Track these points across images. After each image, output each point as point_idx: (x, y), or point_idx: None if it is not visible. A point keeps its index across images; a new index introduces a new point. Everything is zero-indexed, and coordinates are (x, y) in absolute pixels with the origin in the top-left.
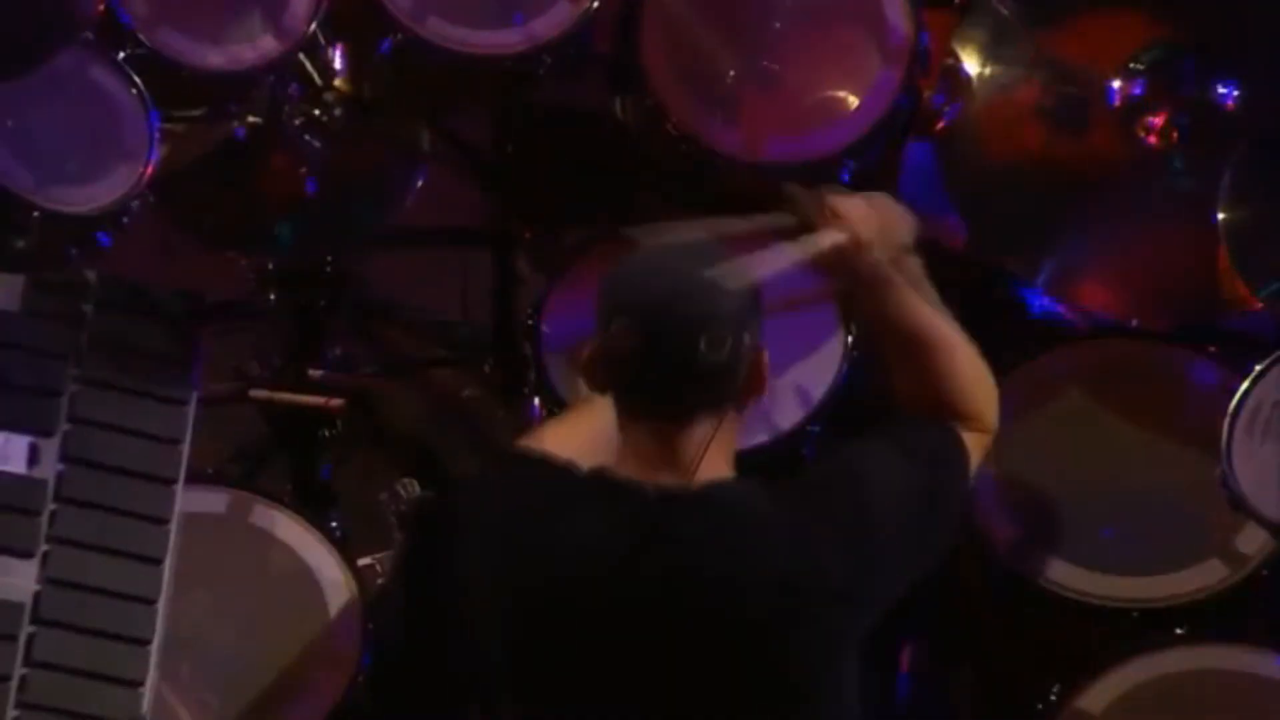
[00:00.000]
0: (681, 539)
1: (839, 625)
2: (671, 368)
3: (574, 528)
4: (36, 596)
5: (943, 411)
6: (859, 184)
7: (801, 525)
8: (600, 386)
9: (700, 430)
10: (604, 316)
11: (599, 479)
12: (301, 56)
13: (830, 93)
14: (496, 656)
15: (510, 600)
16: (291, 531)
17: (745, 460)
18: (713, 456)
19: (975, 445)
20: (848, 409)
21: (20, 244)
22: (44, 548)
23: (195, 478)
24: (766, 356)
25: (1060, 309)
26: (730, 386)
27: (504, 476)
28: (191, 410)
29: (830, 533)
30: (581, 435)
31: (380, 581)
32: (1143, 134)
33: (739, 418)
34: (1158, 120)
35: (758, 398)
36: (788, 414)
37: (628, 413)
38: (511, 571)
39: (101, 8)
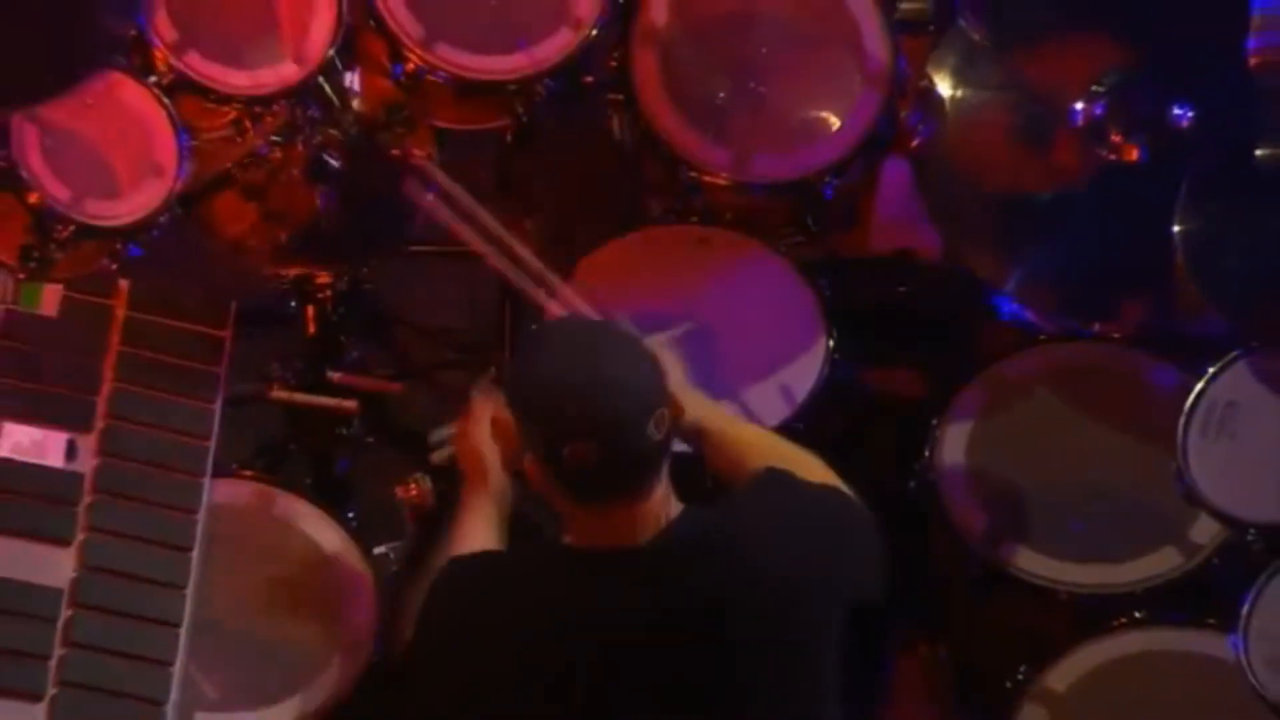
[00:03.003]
0: (682, 577)
1: (818, 612)
2: (632, 463)
3: (579, 598)
4: (74, 582)
5: None
6: (841, 198)
7: (759, 537)
8: (558, 499)
9: (658, 491)
10: (546, 441)
11: (568, 555)
12: (320, 80)
13: (814, 113)
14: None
15: (534, 679)
16: (311, 522)
17: None
18: (666, 502)
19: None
20: (829, 407)
21: (57, 255)
22: (81, 536)
23: (221, 471)
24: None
25: (1027, 314)
26: (670, 445)
27: (488, 576)
28: (218, 409)
29: (785, 535)
30: (492, 525)
31: (393, 571)
32: (1104, 151)
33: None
34: (1118, 139)
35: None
36: (774, 412)
37: (590, 505)
38: (522, 652)
39: (133, 33)
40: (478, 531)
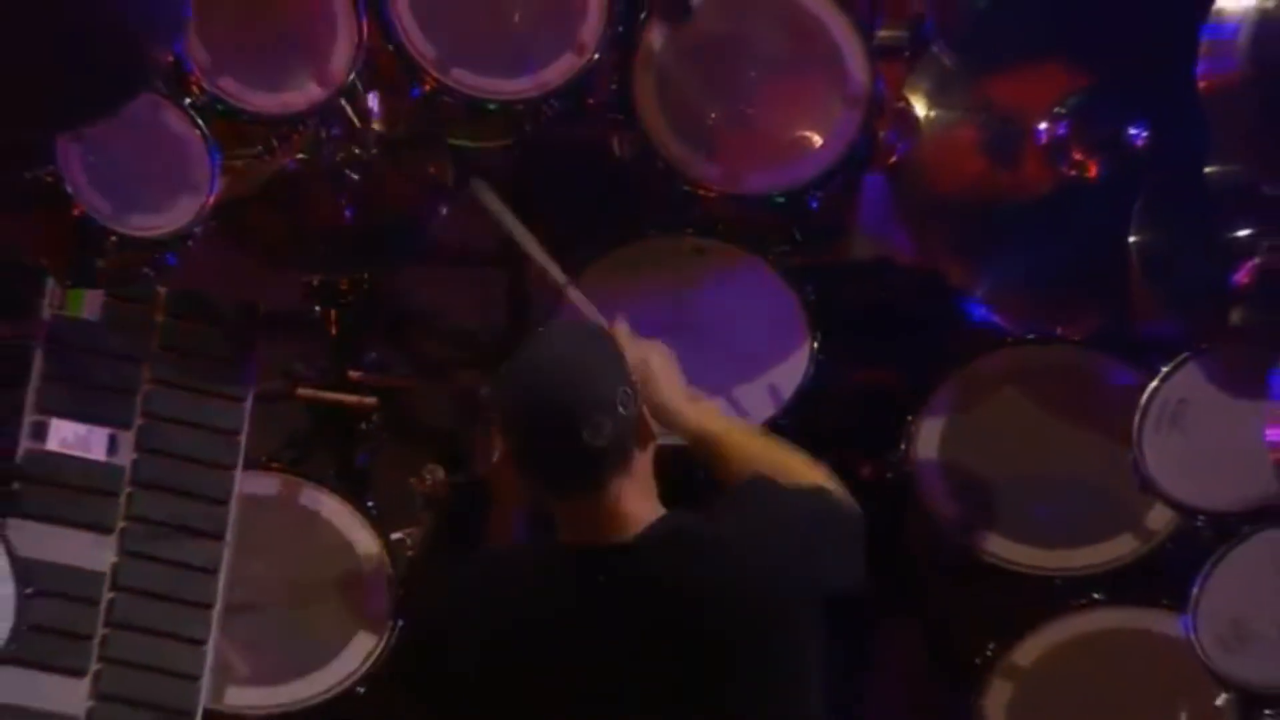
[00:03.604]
0: (656, 575)
1: (795, 611)
2: (569, 462)
3: (548, 598)
4: (115, 567)
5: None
6: (825, 210)
7: (737, 539)
8: (539, 496)
9: (615, 486)
10: (513, 441)
11: (557, 551)
12: (342, 102)
13: (799, 132)
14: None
15: (509, 666)
16: (334, 510)
17: None
18: (637, 500)
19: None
20: (813, 404)
21: (100, 264)
22: (121, 525)
23: (251, 464)
24: (646, 408)
25: (996, 318)
26: (623, 449)
27: (480, 572)
28: (248, 406)
29: (764, 537)
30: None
31: (410, 555)
32: (1066, 168)
33: (647, 457)
34: (1079, 156)
35: (654, 441)
36: (762, 409)
37: (552, 496)
38: (507, 645)
39: (170, 60)
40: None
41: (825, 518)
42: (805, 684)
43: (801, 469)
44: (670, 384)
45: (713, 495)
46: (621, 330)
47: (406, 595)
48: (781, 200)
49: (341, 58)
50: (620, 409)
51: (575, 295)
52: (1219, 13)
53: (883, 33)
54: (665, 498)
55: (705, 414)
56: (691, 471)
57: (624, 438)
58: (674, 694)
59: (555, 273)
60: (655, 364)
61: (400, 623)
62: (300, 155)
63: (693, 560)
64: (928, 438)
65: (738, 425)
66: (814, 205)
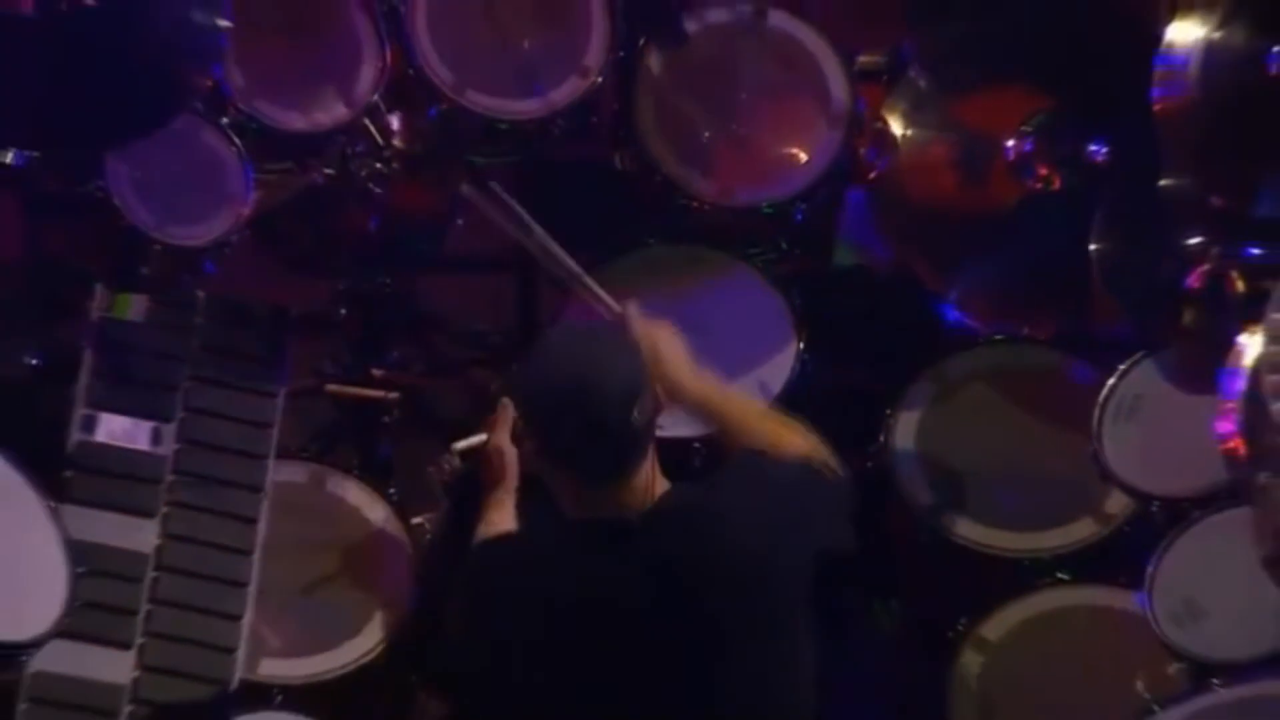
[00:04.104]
0: (668, 547)
1: (791, 574)
2: (619, 448)
3: (584, 568)
4: (158, 549)
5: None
6: (810, 221)
7: (737, 509)
8: (559, 482)
9: (645, 469)
10: (545, 433)
11: (575, 528)
12: (367, 121)
13: (786, 150)
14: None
15: (547, 630)
16: (358, 497)
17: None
18: (650, 477)
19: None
20: (799, 399)
21: (144, 270)
22: (164, 510)
23: (283, 454)
24: (658, 385)
25: (968, 320)
26: (650, 431)
27: (518, 548)
28: (280, 401)
29: (758, 505)
30: (512, 515)
31: (428, 538)
32: (1032, 182)
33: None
34: (1043, 171)
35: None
36: None
37: (587, 484)
38: (547, 613)
39: (210, 83)
40: (502, 522)
41: (816, 486)
42: (800, 651)
43: (795, 438)
44: (677, 359)
45: (710, 469)
46: (632, 310)
47: (425, 574)
48: (770, 212)
49: (366, 81)
50: (645, 393)
51: (589, 283)
52: (1170, 44)
53: (863, 58)
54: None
55: (708, 386)
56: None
57: (656, 414)
58: (684, 657)
59: (570, 264)
60: (663, 340)
61: (420, 600)
62: (328, 170)
63: (697, 530)
64: (904, 430)
65: (737, 397)
66: (800, 216)
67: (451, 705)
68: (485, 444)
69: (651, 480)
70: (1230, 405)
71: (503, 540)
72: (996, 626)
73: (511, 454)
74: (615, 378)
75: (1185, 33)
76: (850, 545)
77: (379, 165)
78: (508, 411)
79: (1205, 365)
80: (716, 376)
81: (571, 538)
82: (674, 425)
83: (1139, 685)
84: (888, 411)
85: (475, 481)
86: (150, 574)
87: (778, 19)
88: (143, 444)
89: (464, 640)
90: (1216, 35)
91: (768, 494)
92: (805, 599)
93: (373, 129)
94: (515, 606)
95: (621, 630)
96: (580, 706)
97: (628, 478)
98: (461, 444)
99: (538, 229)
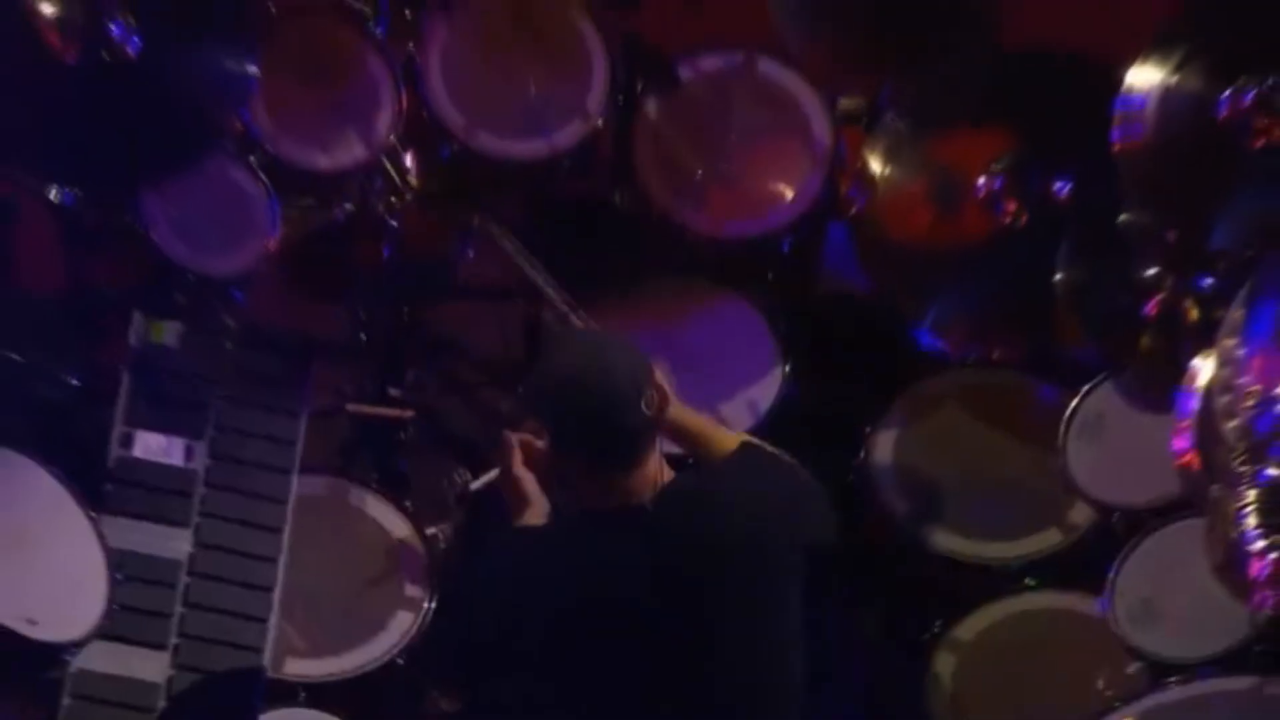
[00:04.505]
0: (676, 526)
1: (784, 557)
2: (630, 435)
3: (599, 550)
4: (191, 556)
5: None
6: (795, 253)
7: (745, 490)
8: (575, 475)
9: (653, 459)
10: (561, 427)
11: (590, 518)
12: (384, 160)
13: (773, 187)
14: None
15: (565, 605)
16: (377, 508)
17: None
18: (657, 466)
19: None
20: (785, 417)
21: (179, 299)
22: (196, 520)
23: (306, 469)
24: (660, 377)
25: (941, 344)
26: (661, 420)
27: (535, 535)
28: (303, 419)
29: (761, 488)
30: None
31: (442, 546)
32: (1001, 217)
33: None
34: (1012, 207)
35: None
36: (741, 422)
37: (601, 474)
38: (569, 587)
39: (239, 124)
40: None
41: (801, 479)
42: (793, 633)
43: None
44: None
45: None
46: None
47: (445, 578)
48: (758, 244)
49: (384, 123)
50: (651, 388)
51: (581, 319)
52: (1129, 88)
53: (844, 103)
54: None
55: (690, 413)
56: None
57: (658, 412)
58: (689, 631)
59: (559, 299)
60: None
61: (433, 605)
62: (348, 206)
63: (703, 510)
64: (883, 446)
65: (717, 425)
66: (785, 249)
67: (462, 702)
68: (501, 475)
69: (659, 471)
70: (1185, 423)
71: (521, 530)
72: (969, 628)
73: (529, 479)
74: (623, 370)
75: (1142, 78)
76: (830, 535)
77: (395, 201)
78: (516, 442)
79: (1162, 386)
80: (704, 406)
81: (586, 524)
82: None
83: (1100, 683)
84: (867, 429)
85: (485, 493)
86: (184, 580)
87: (765, 66)
88: (177, 459)
89: (482, 619)
90: (1171, 81)
91: (763, 479)
92: (797, 580)
93: (390, 168)
94: (532, 587)
95: (631, 606)
96: (589, 684)
97: (638, 466)
98: (478, 482)
99: (532, 268)
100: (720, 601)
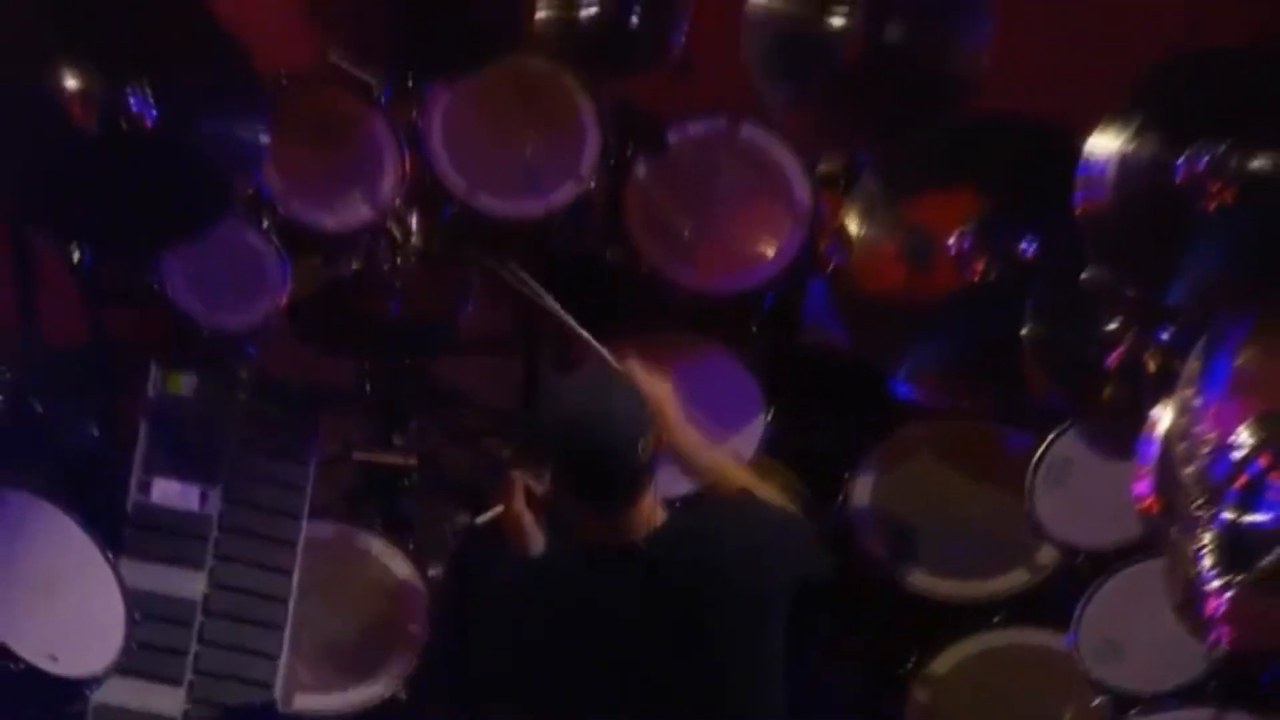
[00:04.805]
0: (668, 563)
1: (771, 595)
2: (627, 476)
3: (594, 584)
4: (205, 596)
5: None
6: (778, 309)
7: (734, 532)
8: (574, 512)
9: (648, 498)
10: (562, 466)
11: (587, 554)
12: (388, 221)
13: (756, 245)
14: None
15: (550, 651)
16: (382, 550)
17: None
18: (653, 505)
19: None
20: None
21: (194, 352)
22: (211, 562)
23: (315, 513)
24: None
25: (916, 394)
26: (657, 463)
27: (533, 567)
28: (312, 466)
29: (748, 533)
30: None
31: (440, 581)
32: (971, 274)
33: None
34: (980, 265)
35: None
36: None
37: (594, 512)
38: (562, 620)
39: (251, 189)
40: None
41: (790, 524)
42: (775, 668)
43: (767, 488)
44: (671, 408)
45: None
46: (633, 365)
47: (442, 610)
48: (742, 299)
49: (388, 185)
50: (649, 429)
51: (593, 341)
52: (1090, 154)
53: (823, 166)
54: None
55: (696, 436)
56: None
57: (654, 455)
58: (679, 661)
59: (575, 326)
60: (660, 391)
61: (434, 641)
62: (354, 264)
63: (694, 549)
64: (861, 491)
65: (720, 449)
66: (768, 303)
67: None
68: (504, 513)
69: (654, 512)
70: (1146, 469)
71: (517, 563)
72: (943, 663)
73: (529, 519)
74: (622, 413)
75: (1103, 144)
76: (825, 571)
77: (399, 259)
78: (518, 482)
79: (1124, 434)
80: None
81: (581, 559)
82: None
83: (1067, 715)
84: (846, 474)
85: (484, 535)
86: (199, 618)
87: (749, 131)
88: (192, 505)
89: (478, 650)
90: (1130, 148)
91: (754, 523)
92: (781, 619)
93: (394, 228)
94: (526, 619)
95: (622, 640)
96: (580, 715)
97: (632, 505)
98: (482, 518)
99: (549, 298)
100: (707, 638)
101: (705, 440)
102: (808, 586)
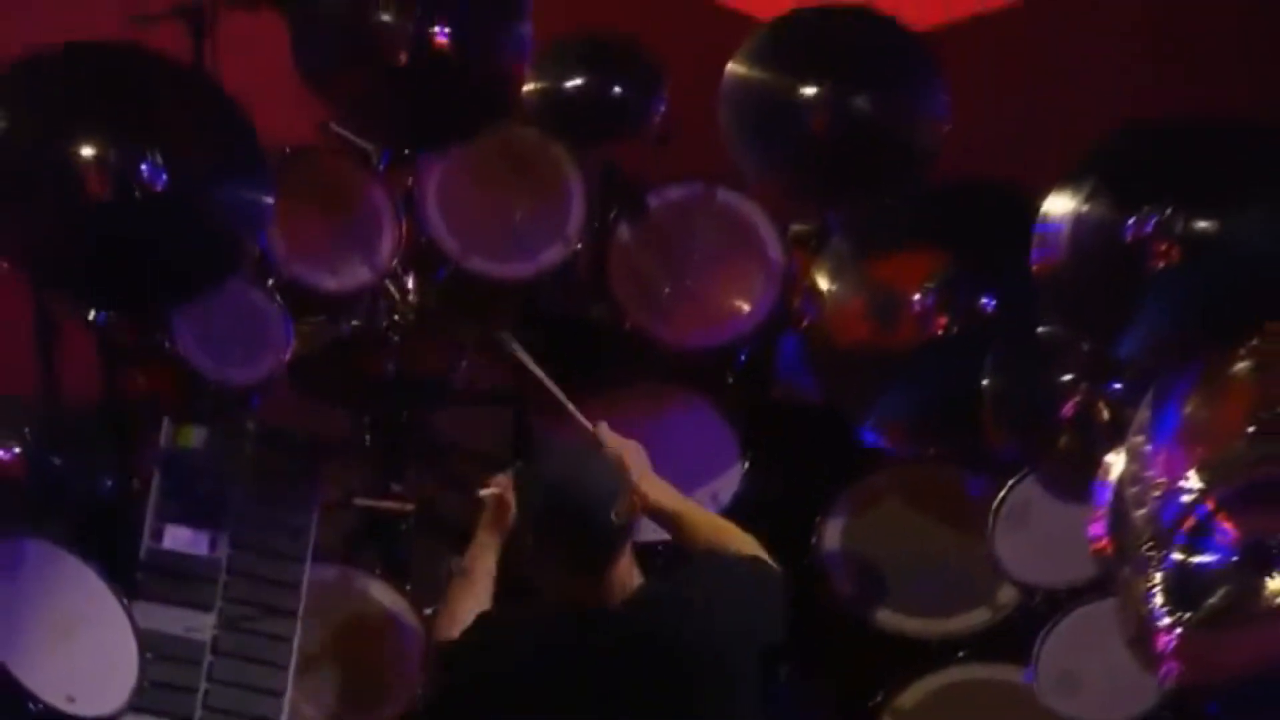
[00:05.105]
0: (641, 631)
1: (741, 653)
2: (600, 542)
3: (567, 649)
4: (214, 637)
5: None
6: (753, 362)
7: (700, 601)
8: (549, 572)
9: (622, 564)
10: (540, 530)
11: (560, 617)
12: (386, 282)
13: (732, 302)
14: None
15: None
16: (380, 592)
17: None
18: (627, 571)
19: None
20: (744, 509)
21: (204, 406)
22: (220, 604)
23: (318, 557)
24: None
25: (883, 443)
26: (631, 529)
27: (503, 634)
28: (315, 512)
29: (718, 598)
30: (480, 599)
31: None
32: (934, 329)
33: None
34: (943, 320)
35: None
36: None
37: (571, 574)
38: (532, 689)
39: (256, 251)
40: (484, 559)
41: (759, 581)
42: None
43: (739, 538)
44: (641, 469)
45: (674, 564)
46: (604, 429)
47: (435, 657)
48: (720, 353)
49: (386, 248)
50: (622, 498)
51: (571, 407)
52: (1046, 215)
53: (795, 227)
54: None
55: (667, 494)
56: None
57: (627, 522)
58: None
59: (557, 391)
60: (630, 453)
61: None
62: (354, 322)
63: (666, 617)
64: (832, 534)
65: (692, 504)
66: (743, 357)
67: None
68: (495, 495)
69: (629, 577)
70: (1099, 512)
71: (492, 623)
72: (910, 697)
73: (510, 506)
74: (596, 483)
75: (1058, 206)
76: (781, 633)
77: (397, 318)
78: (509, 485)
79: (1078, 480)
80: (674, 487)
81: (557, 623)
82: (641, 532)
83: None
84: (818, 518)
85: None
86: (208, 658)
87: (725, 195)
88: (202, 550)
89: (454, 704)
90: (1083, 209)
91: (724, 587)
92: (753, 675)
93: (391, 288)
94: (502, 682)
95: (601, 696)
96: None
97: (607, 570)
98: (485, 491)
99: (535, 366)
100: (684, 698)
101: (676, 495)
102: (779, 637)
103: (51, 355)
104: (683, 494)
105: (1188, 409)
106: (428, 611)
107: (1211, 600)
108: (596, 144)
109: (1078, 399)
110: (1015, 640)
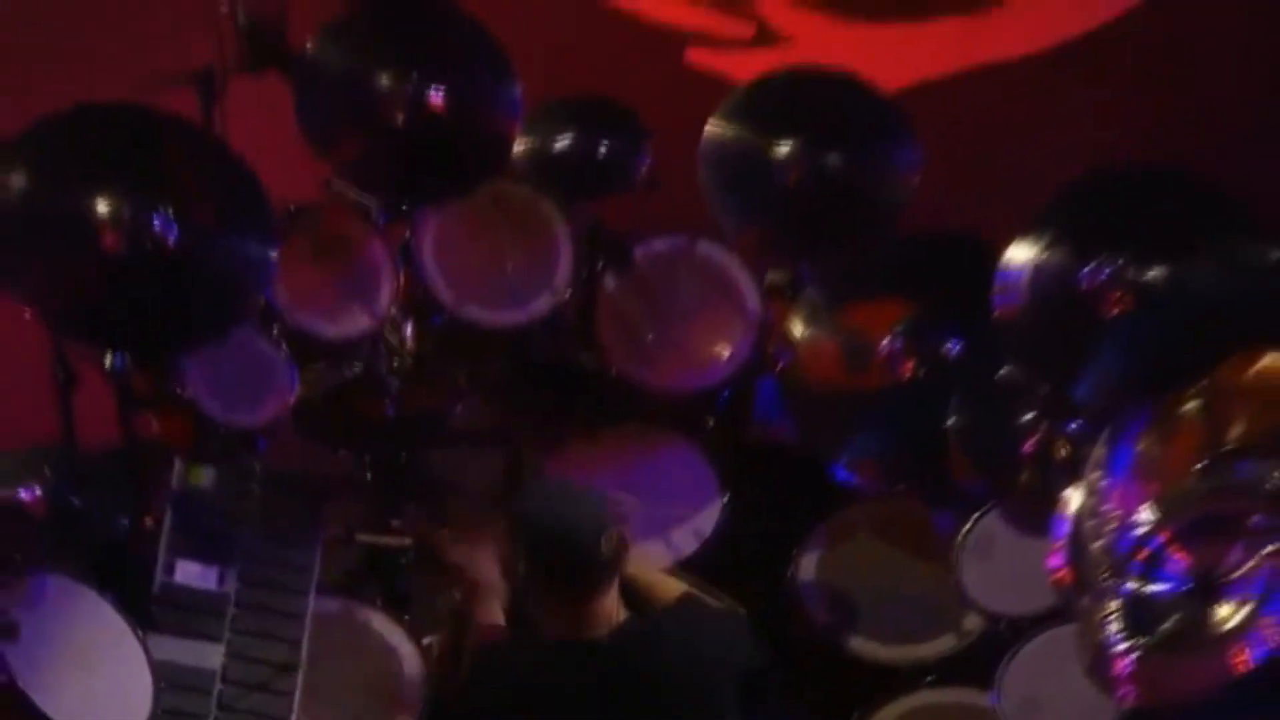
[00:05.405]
0: (630, 661)
1: (723, 684)
2: (590, 571)
3: (560, 678)
4: (223, 666)
5: None
6: (732, 404)
7: (686, 633)
8: (540, 601)
9: (606, 591)
10: (531, 561)
11: (550, 646)
12: (385, 329)
13: (712, 348)
14: None
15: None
16: (380, 623)
17: None
18: (613, 604)
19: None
20: (724, 542)
21: (213, 448)
22: (228, 636)
23: (321, 590)
24: (625, 527)
25: (855, 480)
26: (619, 562)
27: (505, 661)
28: (318, 547)
29: (699, 633)
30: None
31: (436, 654)
32: (902, 372)
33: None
34: (910, 364)
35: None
36: (688, 545)
37: (561, 603)
38: (528, 705)
39: (262, 301)
40: (493, 615)
41: (732, 621)
42: None
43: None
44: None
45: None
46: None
47: (435, 684)
48: (700, 396)
49: (385, 298)
50: (610, 530)
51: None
52: (1007, 262)
53: (771, 277)
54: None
55: (642, 570)
56: None
57: (616, 554)
58: None
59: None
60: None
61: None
62: (355, 367)
63: (653, 651)
64: (808, 566)
65: (665, 580)
66: (723, 400)
67: None
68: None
69: (615, 609)
70: (1059, 544)
71: (492, 654)
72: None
73: (492, 569)
74: (586, 515)
75: (1018, 255)
76: (765, 660)
77: (396, 363)
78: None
79: (1039, 513)
80: (654, 542)
81: (551, 654)
82: None
83: None
84: (794, 551)
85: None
86: (218, 687)
87: (705, 247)
88: (211, 584)
89: None
90: (1042, 258)
91: (704, 621)
92: (733, 705)
93: (390, 335)
94: (501, 709)
95: None
96: None
97: (596, 599)
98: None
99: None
100: None
101: (648, 571)
102: (752, 670)
103: (70, 403)
104: (667, 528)
105: (1141, 447)
106: (426, 640)
107: (1165, 626)
108: (584, 199)
109: (1038, 437)
110: (980, 665)
